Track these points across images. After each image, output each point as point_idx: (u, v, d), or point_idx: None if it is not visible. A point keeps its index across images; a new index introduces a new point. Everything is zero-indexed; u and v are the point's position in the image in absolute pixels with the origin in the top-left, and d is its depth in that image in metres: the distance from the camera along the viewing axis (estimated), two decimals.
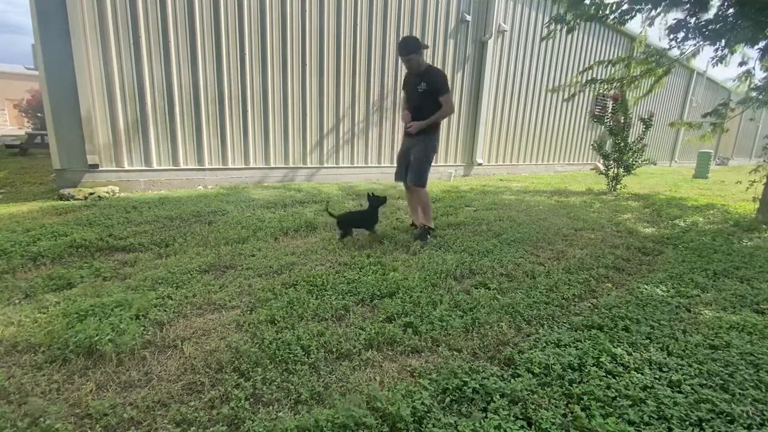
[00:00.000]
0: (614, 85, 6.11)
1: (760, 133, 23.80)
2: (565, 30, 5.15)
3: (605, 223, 4.63)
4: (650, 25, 4.97)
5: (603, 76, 6.27)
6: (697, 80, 16.80)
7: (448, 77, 8.20)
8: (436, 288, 2.55)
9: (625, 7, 4.75)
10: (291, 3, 5.95)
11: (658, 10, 4.68)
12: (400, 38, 3.47)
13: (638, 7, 4.68)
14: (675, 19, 4.82)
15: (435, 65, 4.43)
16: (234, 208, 4.37)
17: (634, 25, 5.75)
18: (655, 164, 7.33)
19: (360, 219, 3.55)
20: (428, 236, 3.59)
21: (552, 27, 5.25)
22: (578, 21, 5.00)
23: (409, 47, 3.36)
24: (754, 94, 5.79)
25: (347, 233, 3.46)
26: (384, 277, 2.65)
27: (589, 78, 6.08)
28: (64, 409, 1.43)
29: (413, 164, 3.57)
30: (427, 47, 3.41)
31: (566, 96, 6.59)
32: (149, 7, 4.96)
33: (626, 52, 11.86)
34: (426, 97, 3.46)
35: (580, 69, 10.93)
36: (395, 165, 3.84)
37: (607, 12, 4.87)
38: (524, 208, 5.25)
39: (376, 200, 3.46)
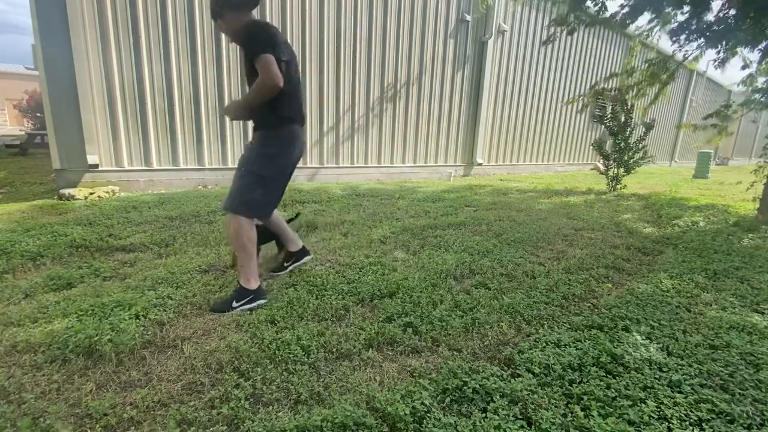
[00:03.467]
0: (615, 91, 6.13)
1: (760, 133, 23.82)
2: (566, 32, 5.14)
3: (605, 223, 4.63)
4: (647, 37, 4.99)
5: (607, 86, 6.29)
6: (697, 80, 16.81)
7: (448, 77, 8.31)
8: (436, 288, 2.54)
9: (627, 10, 4.75)
10: (291, 3, 5.96)
11: (660, 13, 4.68)
12: None
13: (640, 11, 4.69)
14: (676, 22, 4.82)
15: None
16: None
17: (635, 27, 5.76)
18: (654, 162, 7.33)
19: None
20: (243, 300, 2.17)
21: (553, 30, 5.24)
22: (579, 23, 4.99)
23: (211, 9, 2.20)
24: (756, 95, 5.79)
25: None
26: (384, 277, 2.65)
27: (597, 90, 6.12)
28: (64, 409, 1.43)
29: (234, 180, 2.25)
30: (253, 5, 2.23)
31: (579, 108, 6.57)
32: (149, 7, 4.96)
33: (627, 51, 11.86)
34: (249, 70, 2.15)
35: (581, 69, 10.96)
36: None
37: (608, 15, 4.87)
38: (524, 208, 5.25)
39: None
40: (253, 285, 2.21)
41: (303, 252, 2.70)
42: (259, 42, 2.03)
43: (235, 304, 2.16)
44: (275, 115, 2.19)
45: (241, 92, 5.78)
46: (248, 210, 2.21)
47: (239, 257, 2.23)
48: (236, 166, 2.33)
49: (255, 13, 2.27)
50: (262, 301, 2.22)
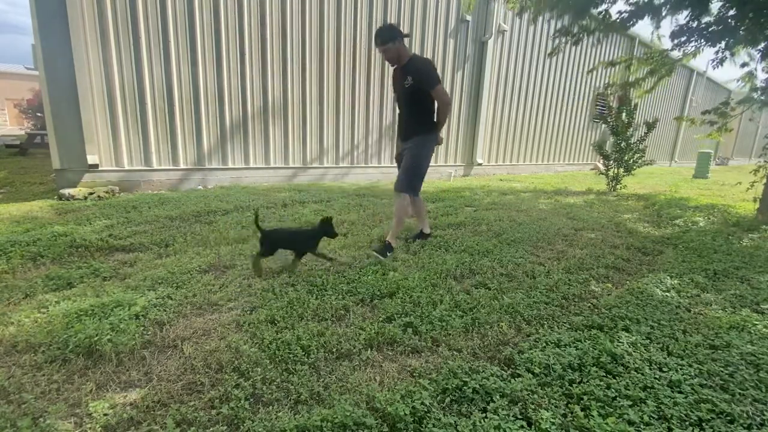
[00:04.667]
0: (618, 88, 6.12)
1: (760, 133, 23.81)
2: (571, 42, 5.12)
3: (605, 223, 4.63)
4: (657, 28, 4.97)
5: (605, 76, 6.28)
6: (697, 80, 16.81)
7: (448, 77, 8.30)
8: (436, 288, 2.54)
9: (626, 16, 4.74)
10: (291, 3, 5.96)
11: (662, 14, 4.67)
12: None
13: (640, 16, 4.68)
14: (677, 25, 4.81)
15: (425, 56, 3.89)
16: (234, 208, 4.37)
17: (636, 27, 5.72)
18: (652, 164, 7.36)
19: (294, 239, 2.82)
20: (387, 253, 3.07)
21: (558, 42, 5.22)
22: (583, 34, 4.97)
23: (384, 36, 2.98)
24: (755, 95, 5.78)
25: (270, 253, 2.75)
26: (384, 277, 2.65)
27: (598, 85, 6.09)
28: (64, 409, 1.43)
29: (401, 169, 3.28)
30: (407, 35, 3.09)
31: (590, 100, 6.55)
32: (149, 7, 4.96)
33: (626, 51, 11.86)
34: (415, 94, 3.09)
35: (581, 68, 10.95)
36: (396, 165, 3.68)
37: (611, 21, 4.86)
38: (524, 208, 5.25)
39: (329, 227, 2.73)
40: (395, 244, 3.25)
41: (424, 235, 3.57)
42: (435, 75, 3.03)
43: (388, 254, 3.08)
44: (431, 124, 3.21)
45: (240, 91, 5.79)
46: (414, 191, 3.27)
47: (397, 224, 3.22)
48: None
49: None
50: (392, 253, 3.16)
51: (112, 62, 4.82)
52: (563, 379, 1.65)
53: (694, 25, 4.67)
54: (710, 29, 4.63)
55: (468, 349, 1.89)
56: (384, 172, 7.56)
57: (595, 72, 11.35)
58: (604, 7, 4.83)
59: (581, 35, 5.00)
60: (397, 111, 3.45)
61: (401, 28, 3.27)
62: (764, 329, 2.14)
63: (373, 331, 1.97)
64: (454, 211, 4.85)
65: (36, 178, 6.07)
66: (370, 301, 2.35)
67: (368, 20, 6.80)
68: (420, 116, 3.19)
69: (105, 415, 1.41)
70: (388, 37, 2.97)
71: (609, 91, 6.29)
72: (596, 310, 2.36)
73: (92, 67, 4.71)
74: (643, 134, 6.83)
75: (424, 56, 3.14)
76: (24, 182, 5.73)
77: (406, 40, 3.12)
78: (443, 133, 3.43)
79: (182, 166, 5.57)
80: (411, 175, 3.21)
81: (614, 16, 4.91)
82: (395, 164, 3.49)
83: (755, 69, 5.55)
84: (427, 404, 1.47)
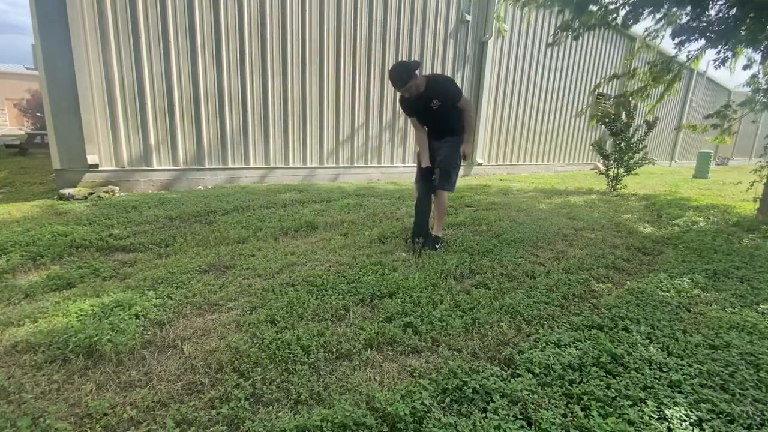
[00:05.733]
0: (621, 97, 6.13)
1: (760, 133, 23.80)
2: (572, 37, 5.12)
3: (605, 223, 4.63)
4: (653, 39, 4.97)
5: (605, 77, 6.27)
6: (697, 80, 16.80)
7: (448, 77, 8.27)
8: (436, 288, 2.54)
9: (627, 10, 4.73)
10: (291, 3, 5.96)
11: (661, 11, 4.66)
12: (389, 70, 3.02)
13: (641, 10, 4.66)
14: (678, 23, 4.80)
15: (434, 72, 3.98)
16: (234, 208, 4.37)
17: (637, 27, 5.72)
18: (653, 163, 7.37)
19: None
20: (436, 245, 3.38)
21: (558, 34, 5.22)
22: (584, 29, 4.97)
23: (404, 77, 2.97)
24: (758, 96, 5.77)
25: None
26: (384, 277, 2.65)
27: (600, 95, 6.08)
28: (64, 409, 1.43)
29: (441, 167, 3.35)
30: (419, 65, 3.14)
31: (587, 121, 6.54)
32: (149, 7, 4.96)
33: (627, 52, 11.85)
34: (444, 110, 3.25)
35: (581, 69, 10.95)
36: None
37: (610, 19, 4.86)
38: (524, 208, 5.25)
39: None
40: (441, 235, 3.52)
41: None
42: (458, 89, 3.30)
43: (436, 246, 3.36)
44: (460, 127, 3.38)
45: (240, 91, 5.79)
46: (453, 188, 3.47)
47: (440, 218, 3.49)
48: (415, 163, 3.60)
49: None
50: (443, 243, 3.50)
51: (112, 62, 4.82)
52: (563, 379, 1.65)
53: (695, 23, 4.67)
54: (710, 28, 4.62)
55: (468, 349, 1.89)
56: (384, 171, 7.55)
57: (594, 73, 11.36)
58: (606, 1, 4.82)
59: (581, 30, 4.99)
60: (410, 127, 3.55)
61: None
62: (764, 329, 2.14)
63: (373, 331, 1.97)
64: (454, 211, 4.85)
65: (36, 178, 6.07)
66: (370, 301, 2.35)
67: (368, 20, 6.80)
68: (454, 123, 3.37)
69: (105, 415, 1.41)
70: (408, 78, 2.98)
71: (605, 98, 6.31)
72: (596, 310, 2.36)
73: (92, 67, 4.71)
74: (643, 134, 6.83)
75: (442, 74, 3.31)
76: (24, 182, 5.74)
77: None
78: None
79: (182, 166, 5.57)
80: (449, 174, 3.36)
81: (614, 13, 4.91)
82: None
83: (759, 71, 5.54)
84: (427, 404, 1.47)
